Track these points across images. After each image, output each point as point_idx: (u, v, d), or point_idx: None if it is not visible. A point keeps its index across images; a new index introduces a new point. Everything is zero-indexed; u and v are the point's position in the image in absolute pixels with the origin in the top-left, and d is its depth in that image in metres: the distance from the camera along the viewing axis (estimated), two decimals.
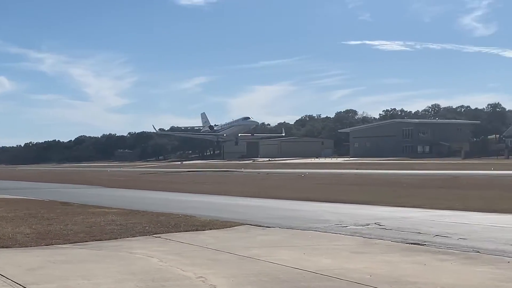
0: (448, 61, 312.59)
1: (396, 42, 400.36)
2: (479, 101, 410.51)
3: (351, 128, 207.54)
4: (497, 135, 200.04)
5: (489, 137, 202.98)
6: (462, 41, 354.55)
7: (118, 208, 28.28)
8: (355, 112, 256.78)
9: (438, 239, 17.11)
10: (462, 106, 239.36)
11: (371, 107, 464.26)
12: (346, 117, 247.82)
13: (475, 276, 12.04)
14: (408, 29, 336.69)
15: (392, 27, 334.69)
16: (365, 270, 12.64)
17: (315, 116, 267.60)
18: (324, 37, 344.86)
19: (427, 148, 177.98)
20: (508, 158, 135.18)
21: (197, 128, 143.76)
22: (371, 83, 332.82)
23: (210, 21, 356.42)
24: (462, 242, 16.45)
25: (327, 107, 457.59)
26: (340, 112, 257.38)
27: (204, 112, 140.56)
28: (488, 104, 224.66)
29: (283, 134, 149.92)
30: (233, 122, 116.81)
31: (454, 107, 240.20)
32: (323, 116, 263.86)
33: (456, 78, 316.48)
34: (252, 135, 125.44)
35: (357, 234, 18.55)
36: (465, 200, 29.62)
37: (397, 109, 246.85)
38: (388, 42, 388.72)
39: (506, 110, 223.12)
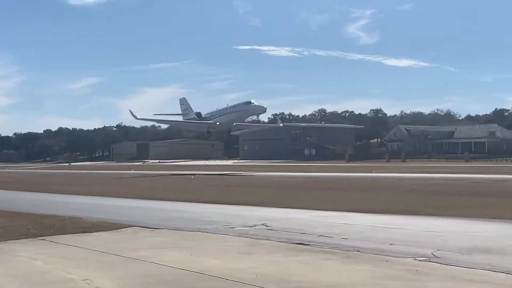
0: (334, 68, 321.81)
1: (285, 48, 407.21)
2: (363, 106, 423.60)
3: (240, 131, 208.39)
4: (379, 139, 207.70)
5: (371, 141, 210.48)
6: (347, 49, 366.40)
7: (1, 210, 27.23)
8: None
9: (321, 239, 17.50)
10: (346, 111, 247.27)
11: None
12: None
13: (356, 274, 12.39)
14: (296, 36, 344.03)
15: (281, 33, 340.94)
16: (251, 270, 12.75)
17: None
18: (214, 41, 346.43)
19: (313, 151, 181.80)
20: (388, 161, 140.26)
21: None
22: (261, 87, 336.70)
23: (100, 22, 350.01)
24: (344, 242, 16.89)
25: None
26: None
27: (184, 97, 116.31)
28: (371, 110, 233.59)
29: (281, 125, 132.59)
30: (229, 108, 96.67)
31: (339, 112, 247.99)
32: None
33: (341, 84, 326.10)
34: (259, 122, 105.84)
35: (244, 235, 18.68)
36: (348, 202, 30.40)
37: (285, 113, 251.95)
38: (277, 48, 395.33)
39: (387, 116, 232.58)
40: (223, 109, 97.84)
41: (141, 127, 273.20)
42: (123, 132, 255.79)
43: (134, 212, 27.66)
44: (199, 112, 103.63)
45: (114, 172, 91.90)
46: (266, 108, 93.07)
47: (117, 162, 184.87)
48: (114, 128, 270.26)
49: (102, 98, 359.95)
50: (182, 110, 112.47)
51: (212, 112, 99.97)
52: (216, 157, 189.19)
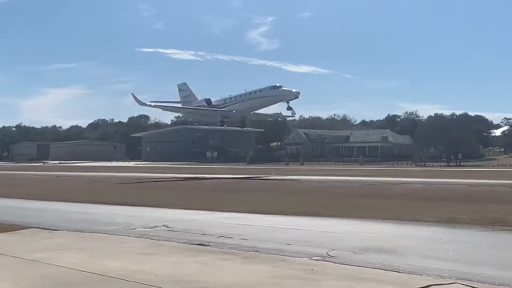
0: (236, 72, 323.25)
1: (188, 52, 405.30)
2: (263, 110, 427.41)
3: (143, 133, 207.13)
4: (279, 143, 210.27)
5: (271, 144, 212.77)
6: (249, 54, 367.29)
7: None
8: (147, 118, 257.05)
9: (221, 240, 17.54)
10: None
11: (163, 113, 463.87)
12: (139, 122, 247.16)
13: (254, 274, 12.48)
14: (199, 40, 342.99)
15: (184, 37, 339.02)
16: (151, 271, 12.62)
17: (108, 120, 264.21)
18: (118, 43, 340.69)
19: (215, 154, 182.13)
20: (288, 164, 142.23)
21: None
22: (164, 90, 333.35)
23: (0, 20, 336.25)
24: (243, 243, 16.99)
25: (121, 112, 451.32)
26: (133, 117, 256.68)
27: (185, 82, 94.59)
28: (271, 114, 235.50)
29: (295, 115, 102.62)
30: (250, 93, 79.83)
31: None
32: (116, 120, 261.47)
33: (243, 88, 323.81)
34: (291, 110, 79.19)
35: (145, 236, 18.49)
36: (248, 203, 30.61)
37: None
38: (180, 51, 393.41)
39: (287, 120, 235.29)
40: (240, 95, 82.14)
41: (42, 127, 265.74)
42: (23, 132, 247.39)
43: (33, 213, 26.82)
44: (208, 99, 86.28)
45: (12, 173, 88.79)
46: (299, 92, 74.72)
47: (16, 162, 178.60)
48: (14, 128, 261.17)
49: (1, 98, 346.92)
50: (182, 97, 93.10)
51: (225, 99, 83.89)
52: (118, 159, 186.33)
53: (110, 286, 11.33)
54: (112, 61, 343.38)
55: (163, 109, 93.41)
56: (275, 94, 75.30)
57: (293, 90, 74.01)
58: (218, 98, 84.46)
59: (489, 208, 26.67)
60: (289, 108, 75.76)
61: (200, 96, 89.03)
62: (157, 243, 17.06)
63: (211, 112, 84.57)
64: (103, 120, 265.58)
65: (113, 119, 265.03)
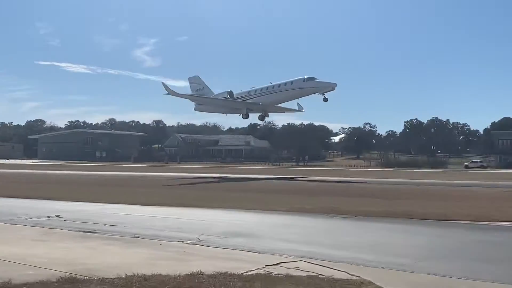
0: (123, 85, 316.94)
1: (81, 66, 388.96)
2: (147, 117, 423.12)
3: (39, 135, 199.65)
4: (159, 145, 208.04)
5: (153, 146, 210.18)
6: (134, 69, 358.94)
7: None
8: (43, 122, 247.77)
9: (107, 228, 17.09)
10: (133, 121, 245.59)
11: (58, 118, 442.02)
12: (36, 126, 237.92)
13: (135, 256, 12.27)
14: (91, 56, 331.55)
15: (78, 53, 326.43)
16: (43, 256, 12.08)
17: (7, 124, 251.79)
18: (18, 55, 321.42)
19: (104, 154, 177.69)
20: (167, 163, 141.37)
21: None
22: (59, 98, 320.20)
23: None
24: (126, 230, 16.65)
25: (19, 116, 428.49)
26: (31, 121, 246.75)
27: (197, 76, 79.70)
28: (153, 121, 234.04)
29: (303, 110, 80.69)
30: (278, 85, 66.67)
31: (127, 121, 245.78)
32: (14, 124, 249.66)
33: (129, 98, 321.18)
34: (326, 100, 62.00)
35: (39, 225, 17.67)
36: (132, 196, 29.99)
37: (80, 120, 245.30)
38: (74, 65, 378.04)
39: (167, 126, 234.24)
40: (267, 87, 68.47)
41: None
42: None
43: None
44: (231, 91, 72.01)
45: None
46: (336, 84, 61.93)
47: None
48: None
49: None
50: (194, 90, 78.63)
51: (249, 91, 70.63)
52: (16, 157, 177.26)
53: (6, 269, 10.70)
54: (12, 71, 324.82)
55: (191, 100, 76.92)
56: (309, 86, 63.23)
57: (330, 82, 62.50)
58: (240, 91, 72.24)
59: (329, 199, 27.79)
60: (325, 100, 62.25)
61: (215, 90, 77.90)
62: (50, 231, 16.35)
63: (238, 104, 71.29)
64: (2, 123, 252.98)
65: (12, 122, 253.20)
